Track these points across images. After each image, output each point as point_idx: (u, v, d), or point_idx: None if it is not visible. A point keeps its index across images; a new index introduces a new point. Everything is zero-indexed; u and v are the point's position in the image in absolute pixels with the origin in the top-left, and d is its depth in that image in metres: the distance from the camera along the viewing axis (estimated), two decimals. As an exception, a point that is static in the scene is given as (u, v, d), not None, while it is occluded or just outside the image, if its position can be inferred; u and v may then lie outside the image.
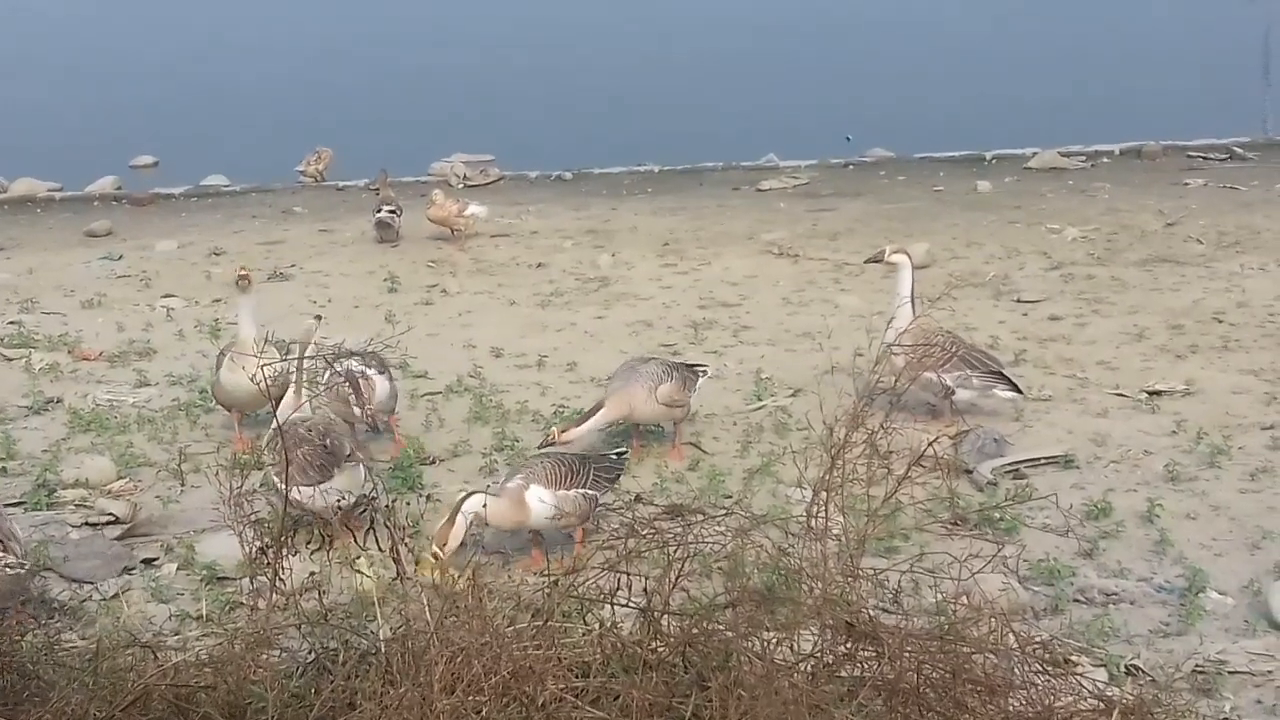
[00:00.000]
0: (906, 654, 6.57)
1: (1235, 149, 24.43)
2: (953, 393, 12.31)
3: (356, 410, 11.57)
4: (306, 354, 11.00)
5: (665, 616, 6.83)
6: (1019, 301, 16.02)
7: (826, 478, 7.51)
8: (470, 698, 6.24)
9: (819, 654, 6.75)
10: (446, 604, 6.78)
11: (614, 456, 10.76)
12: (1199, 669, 8.29)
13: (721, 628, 6.74)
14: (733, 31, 38.71)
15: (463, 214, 19.51)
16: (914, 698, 6.48)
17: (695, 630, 6.71)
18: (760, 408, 12.86)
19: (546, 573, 7.90)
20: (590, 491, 10.10)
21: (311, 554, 8.49)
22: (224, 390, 12.09)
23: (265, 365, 9.69)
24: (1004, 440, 11.76)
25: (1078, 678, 6.84)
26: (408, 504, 10.51)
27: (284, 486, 8.57)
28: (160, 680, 6.76)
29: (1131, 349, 14.32)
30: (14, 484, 11.49)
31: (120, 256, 19.50)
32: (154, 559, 10.17)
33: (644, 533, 9.22)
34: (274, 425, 9.65)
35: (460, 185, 23.76)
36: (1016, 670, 6.68)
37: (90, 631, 8.74)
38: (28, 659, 7.14)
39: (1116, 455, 11.70)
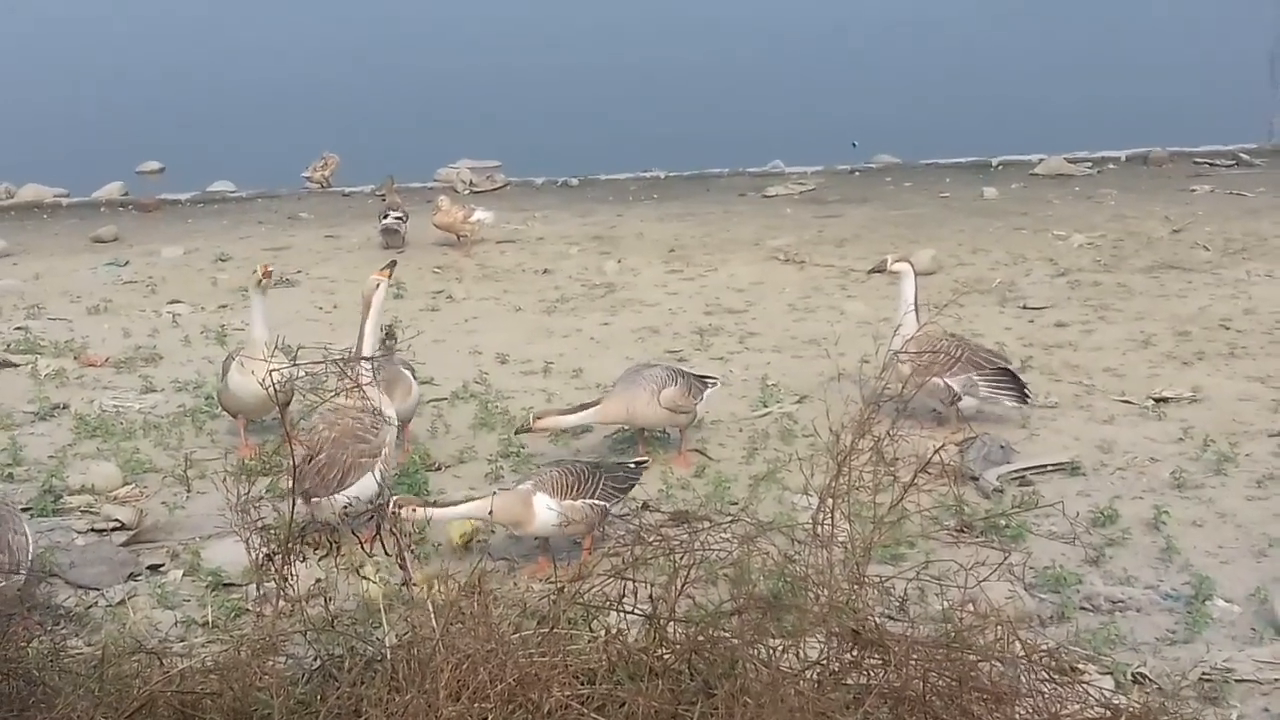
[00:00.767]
0: (913, 662, 6.55)
1: (1242, 155, 24.43)
2: (959, 399, 12.31)
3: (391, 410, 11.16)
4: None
5: (671, 623, 6.82)
6: (1025, 308, 16.02)
7: (832, 485, 7.50)
8: (476, 705, 6.23)
9: (825, 661, 6.73)
10: (452, 611, 6.77)
11: (631, 465, 10.71)
12: (1206, 677, 8.28)
13: (727, 635, 6.73)
14: (739, 37, 38.72)
15: (468, 220, 19.52)
16: (920, 705, 6.47)
17: (701, 637, 6.70)
18: (766, 414, 12.86)
19: (553, 580, 7.90)
20: (598, 502, 10.03)
21: (319, 560, 8.48)
22: (232, 395, 12.06)
23: (274, 370, 9.72)
24: (1010, 447, 11.75)
25: (1084, 685, 6.82)
26: (413, 511, 10.53)
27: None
28: (166, 687, 6.76)
29: (1138, 356, 14.31)
30: (20, 490, 11.49)
31: (126, 262, 19.52)
32: (160, 565, 10.17)
33: (650, 539, 9.24)
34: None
35: (466, 191, 23.77)
36: (1023, 678, 6.67)
37: (96, 638, 8.74)
38: (33, 665, 7.14)
39: (1123, 462, 11.69)
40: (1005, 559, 7.87)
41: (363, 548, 8.36)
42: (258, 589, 8.75)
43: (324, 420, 10.58)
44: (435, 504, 10.20)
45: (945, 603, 7.72)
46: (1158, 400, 12.99)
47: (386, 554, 8.22)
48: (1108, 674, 8.22)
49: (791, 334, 15.35)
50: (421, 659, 6.50)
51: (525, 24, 42.31)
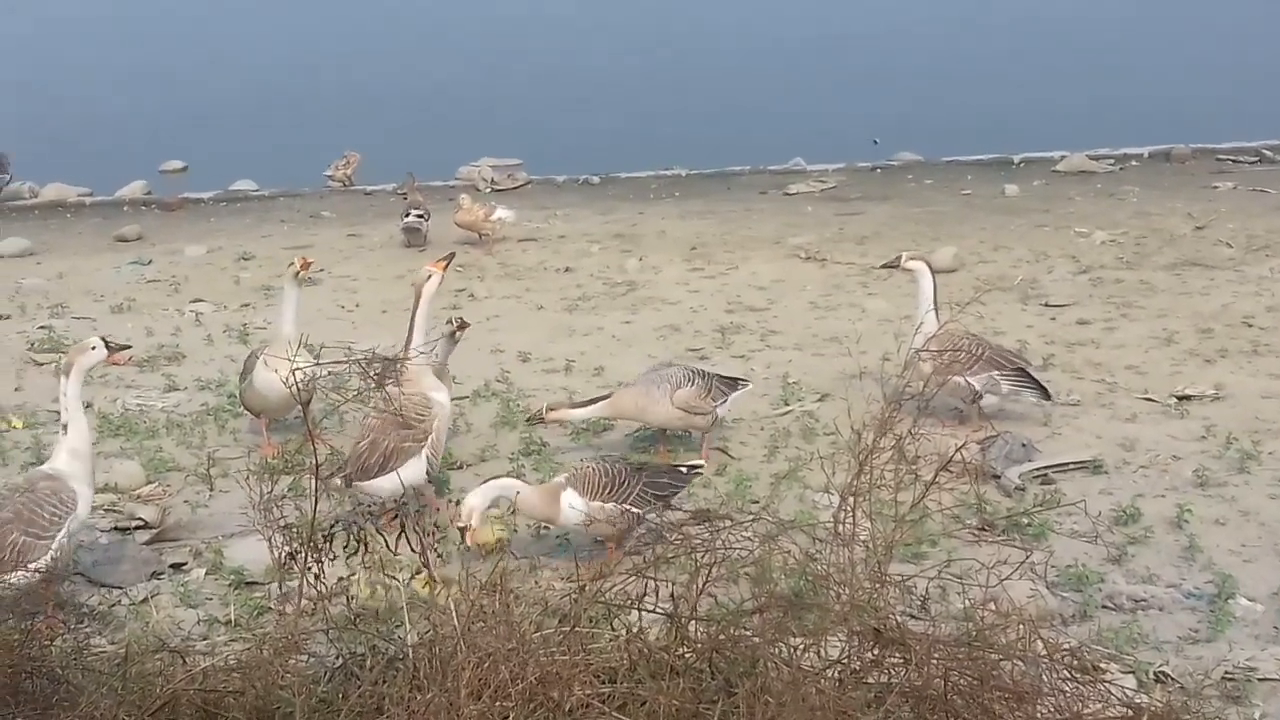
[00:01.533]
0: (934, 660, 6.55)
1: (1265, 152, 24.39)
2: (980, 397, 12.28)
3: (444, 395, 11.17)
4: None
5: (692, 622, 6.82)
6: (1047, 305, 15.99)
7: (854, 483, 7.50)
8: (497, 703, 6.24)
9: (846, 660, 6.73)
10: (473, 609, 6.78)
11: (683, 470, 10.39)
12: (1228, 676, 8.24)
13: (748, 633, 6.73)
14: (759, 35, 38.70)
15: (490, 218, 19.55)
16: (941, 704, 6.46)
17: (722, 636, 6.70)
18: (787, 412, 12.84)
19: (575, 578, 7.90)
20: (630, 508, 9.79)
21: (346, 558, 8.49)
22: (256, 392, 12.04)
23: (298, 369, 9.76)
24: (1032, 445, 11.72)
25: (1106, 685, 6.81)
26: (438, 510, 10.56)
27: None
28: (189, 685, 6.78)
29: (1160, 353, 14.28)
30: (44, 488, 11.51)
31: (150, 261, 19.59)
32: (183, 564, 10.20)
33: (671, 538, 9.25)
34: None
35: (488, 190, 23.81)
36: (1044, 677, 6.66)
37: (119, 636, 8.77)
38: (57, 663, 7.16)
39: (1145, 460, 11.66)
40: (1027, 557, 7.86)
41: (387, 546, 8.35)
42: (280, 587, 8.78)
43: (376, 409, 10.72)
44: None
45: (967, 601, 7.73)
46: (1180, 398, 12.95)
47: (412, 550, 8.21)
48: (1130, 673, 8.20)
49: (813, 332, 15.34)
50: (443, 657, 6.51)
51: (547, 23, 42.36)
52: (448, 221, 19.83)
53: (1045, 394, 12.42)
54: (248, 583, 9.76)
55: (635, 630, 6.75)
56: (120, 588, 9.72)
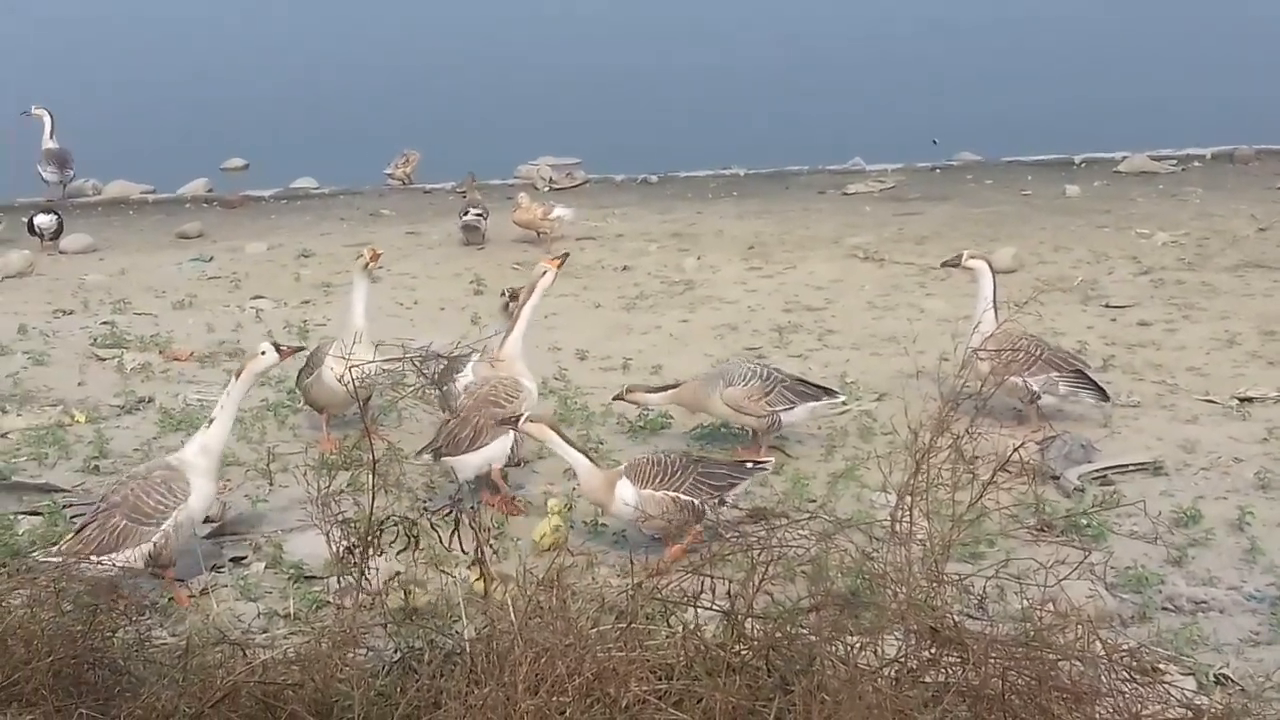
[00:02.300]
0: (991, 660, 6.53)
1: (1330, 153, 24.14)
2: (1038, 397, 12.22)
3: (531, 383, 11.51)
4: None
5: (749, 620, 6.82)
6: (1108, 307, 15.89)
7: (911, 482, 7.49)
8: (554, 698, 6.26)
9: (903, 659, 6.72)
10: (530, 605, 6.80)
11: (745, 465, 10.29)
12: (1289, 679, 8.19)
13: (805, 632, 6.73)
14: (821, 35, 38.64)
15: (548, 217, 19.60)
16: (999, 704, 6.44)
17: (779, 634, 6.70)
18: (845, 412, 12.81)
19: (632, 574, 7.92)
20: (683, 497, 9.75)
21: (398, 554, 8.53)
22: (325, 386, 12.10)
23: (357, 365, 9.85)
24: (1091, 446, 11.66)
25: (1165, 686, 6.77)
26: (491, 506, 10.60)
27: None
28: (249, 677, 6.83)
29: (1222, 355, 14.17)
30: (105, 482, 11.60)
31: (211, 258, 19.74)
32: (243, 557, 10.26)
33: (728, 536, 9.25)
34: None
35: (546, 188, 23.86)
36: (1103, 678, 6.63)
37: (180, 629, 8.84)
38: (119, 655, 7.24)
39: (1206, 462, 11.57)
40: (1085, 558, 7.82)
41: (442, 542, 8.39)
42: (339, 581, 8.83)
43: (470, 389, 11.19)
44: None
45: (1025, 601, 7.69)
46: (1242, 400, 12.85)
47: (463, 551, 8.25)
48: (1189, 675, 8.13)
49: (870, 332, 15.30)
50: (500, 652, 6.54)
51: (608, 22, 42.40)
52: (506, 220, 19.89)
53: (1104, 395, 12.35)
54: (307, 577, 9.81)
55: (692, 627, 6.76)
56: (181, 581, 9.79)
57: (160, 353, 15.14)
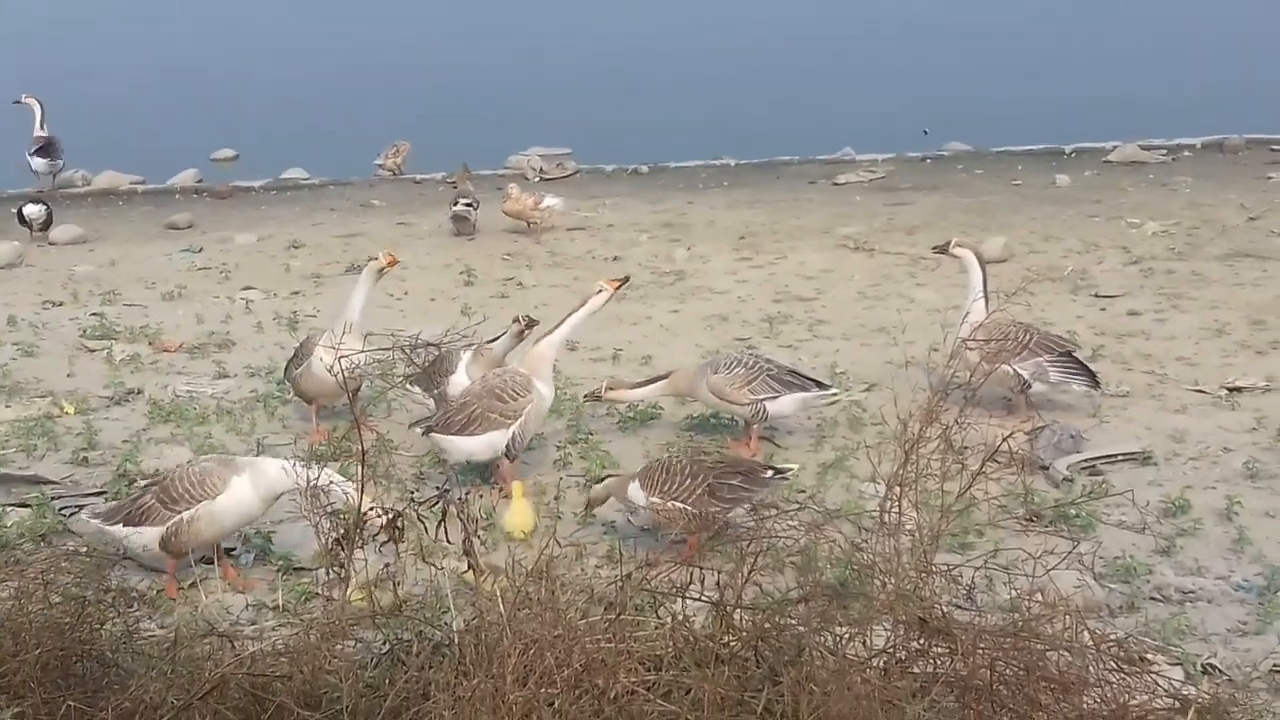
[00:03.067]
0: (980, 650, 6.53)
1: (1320, 142, 24.16)
2: (1028, 387, 12.24)
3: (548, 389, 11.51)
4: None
5: (738, 611, 6.82)
6: (1097, 296, 15.91)
7: (900, 473, 7.49)
8: (542, 690, 6.26)
9: (892, 650, 6.72)
10: (519, 596, 6.80)
11: (763, 473, 9.96)
12: (1277, 668, 8.19)
13: (794, 622, 6.73)
14: (810, 25, 38.62)
15: (539, 207, 19.60)
16: (987, 694, 6.45)
17: (767, 625, 6.70)
18: (834, 402, 12.80)
19: (620, 565, 7.92)
20: (687, 508, 9.56)
21: (381, 546, 8.53)
22: (314, 377, 12.09)
23: (346, 355, 9.85)
24: (1080, 436, 11.67)
25: (1153, 676, 6.78)
26: (480, 497, 10.61)
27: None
28: (237, 669, 6.83)
29: (1211, 345, 14.19)
30: (95, 474, 11.63)
31: (200, 249, 19.72)
32: (232, 549, 10.24)
33: (717, 526, 9.26)
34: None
35: (536, 179, 23.85)
36: (1091, 668, 6.63)
37: (168, 620, 8.83)
38: (107, 647, 7.23)
39: (1195, 452, 11.59)
40: (1074, 548, 7.84)
41: (429, 533, 8.38)
42: (327, 573, 8.82)
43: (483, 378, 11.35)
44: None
45: (1013, 592, 7.70)
46: (1231, 390, 12.86)
47: (449, 542, 8.24)
48: (1177, 665, 8.16)
49: (860, 322, 15.30)
50: (489, 644, 6.53)
51: (597, 12, 42.34)
52: (496, 210, 19.88)
53: (1094, 381, 12.36)
54: (295, 568, 9.81)
55: (680, 618, 6.76)
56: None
57: (150, 344, 15.13)
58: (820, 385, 12.04)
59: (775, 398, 11.68)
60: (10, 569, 7.81)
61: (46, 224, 20.62)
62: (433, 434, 11.01)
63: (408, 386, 12.22)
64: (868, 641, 6.74)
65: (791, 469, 10.43)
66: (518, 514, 10.25)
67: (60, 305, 16.99)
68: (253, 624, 8.88)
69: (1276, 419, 12.06)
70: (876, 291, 16.46)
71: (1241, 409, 12.46)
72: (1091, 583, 8.88)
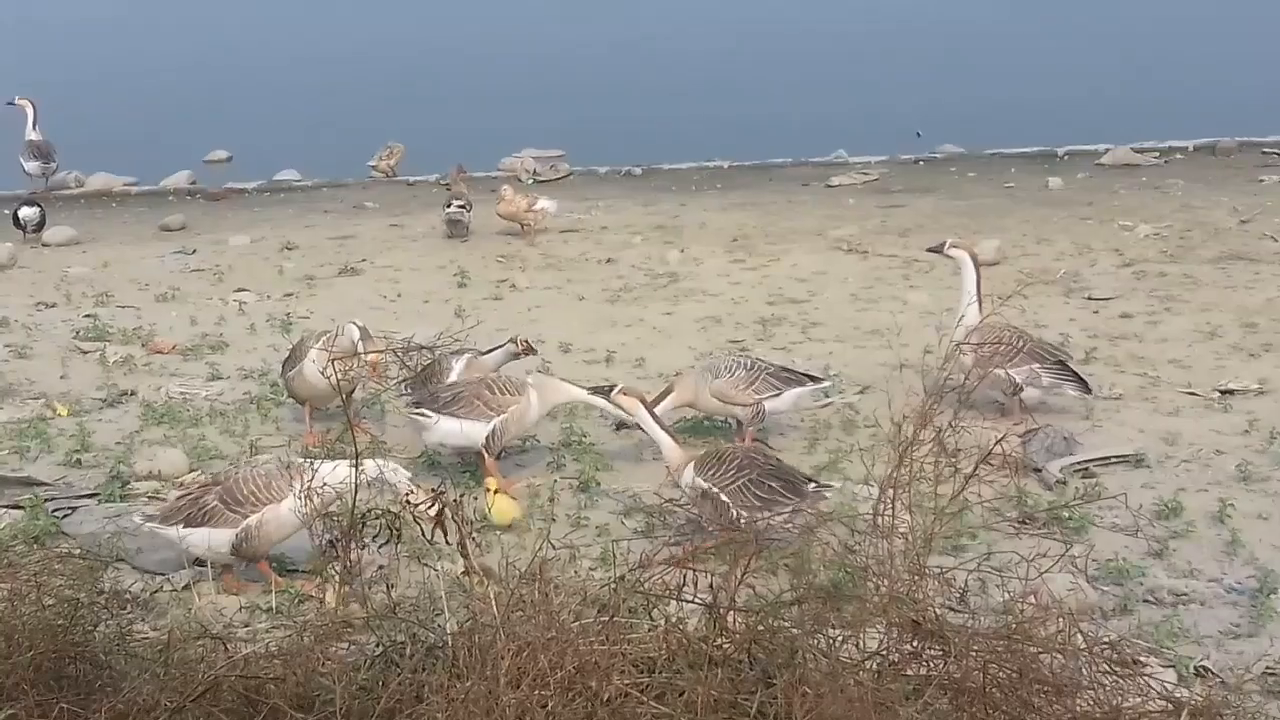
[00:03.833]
0: (973, 653, 6.54)
1: (1312, 145, 24.20)
2: (1021, 390, 12.25)
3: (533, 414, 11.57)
4: None
5: (731, 613, 6.83)
6: (1090, 299, 15.92)
7: (894, 475, 7.49)
8: (536, 692, 6.26)
9: (885, 652, 6.73)
10: (513, 598, 6.80)
11: (804, 485, 9.86)
12: (1270, 671, 8.20)
13: (787, 625, 6.73)
14: (803, 28, 38.64)
15: (532, 209, 19.60)
16: (980, 697, 6.45)
17: (761, 627, 6.70)
18: (828, 404, 12.82)
19: (614, 568, 7.92)
20: (723, 497, 9.60)
21: (379, 547, 8.53)
22: (305, 381, 12.10)
23: (339, 358, 9.86)
24: (1073, 439, 11.68)
25: (1146, 679, 6.78)
26: (475, 499, 10.60)
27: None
28: (230, 671, 6.82)
29: (1204, 347, 14.20)
30: (88, 475, 11.62)
31: (194, 251, 19.71)
32: (223, 551, 10.23)
33: (710, 528, 9.26)
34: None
35: (530, 181, 23.85)
36: (1084, 670, 6.63)
37: (162, 623, 8.81)
38: (100, 649, 7.22)
39: (1188, 454, 11.60)
40: (1067, 551, 7.86)
41: (424, 534, 8.38)
42: (321, 576, 8.81)
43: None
44: (653, 414, 10.49)
45: (1006, 594, 7.70)
46: (1224, 392, 12.88)
47: (447, 542, 8.24)
48: (1170, 667, 8.15)
49: (854, 324, 15.31)
50: (482, 646, 6.53)
51: (592, 15, 42.36)
52: (490, 213, 19.88)
53: (1086, 388, 12.37)
54: (289, 570, 9.81)
55: (674, 621, 6.76)
56: (163, 574, 9.78)
57: (143, 345, 15.12)
58: (814, 379, 12.11)
59: (778, 394, 11.76)
60: (3, 571, 7.79)
61: (40, 226, 20.60)
62: (416, 408, 11.11)
63: (403, 392, 12.22)
64: (861, 644, 6.75)
65: (834, 486, 10.35)
66: (498, 504, 10.40)
67: (53, 307, 16.97)
68: (246, 626, 8.87)
69: (1269, 421, 12.07)
70: (870, 294, 16.47)
71: (1234, 411, 12.47)
72: (1084, 585, 8.87)
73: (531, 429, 11.64)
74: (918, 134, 26.21)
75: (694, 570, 7.11)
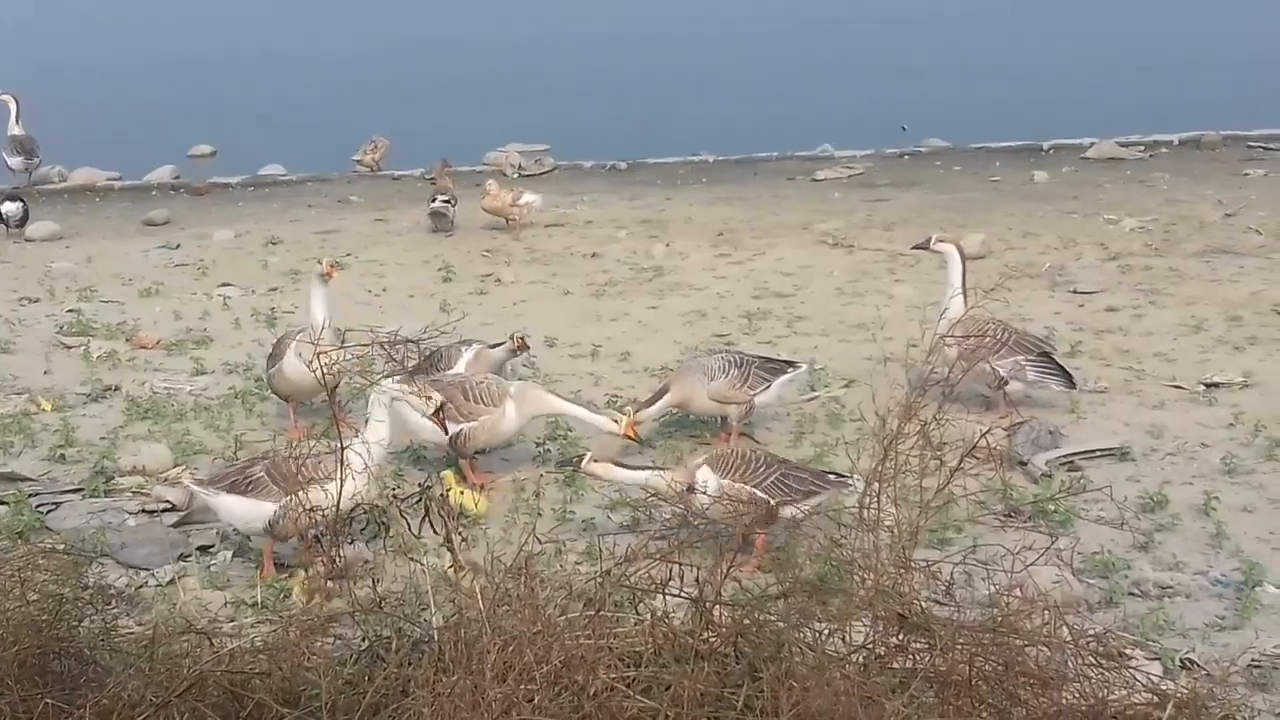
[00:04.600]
0: (959, 646, 6.54)
1: (1296, 138, 24.24)
2: (1006, 383, 12.26)
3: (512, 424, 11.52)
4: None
5: (717, 607, 6.82)
6: (1075, 292, 15.94)
7: (879, 469, 7.50)
8: (522, 686, 6.25)
9: (871, 645, 6.73)
10: (498, 593, 6.79)
11: (828, 476, 9.98)
12: (1255, 663, 8.22)
13: (773, 618, 6.73)
14: (788, 21, 38.63)
15: (517, 204, 19.57)
16: (966, 690, 6.46)
17: (747, 621, 6.69)
18: (814, 398, 12.83)
19: (600, 562, 7.91)
20: (760, 494, 9.58)
21: (366, 542, 8.53)
22: (285, 378, 12.10)
23: (324, 353, 9.81)
24: (1059, 432, 11.70)
25: (1132, 671, 6.79)
26: (462, 493, 10.59)
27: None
28: (215, 666, 6.80)
29: (1189, 340, 14.23)
30: (72, 471, 11.60)
31: (178, 245, 19.65)
32: (210, 546, 10.22)
33: (696, 522, 9.26)
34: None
35: (515, 175, 23.82)
36: (1070, 663, 6.64)
37: (146, 618, 8.79)
38: (85, 644, 7.20)
39: (1173, 447, 11.62)
40: (1053, 544, 7.84)
41: (410, 530, 8.37)
42: (306, 570, 8.80)
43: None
44: (623, 465, 10.20)
45: (992, 587, 7.71)
46: (1208, 385, 12.90)
47: (435, 533, 8.23)
48: (1156, 660, 8.16)
49: (839, 318, 15.32)
50: (468, 640, 6.52)
51: (576, 9, 42.32)
52: (475, 207, 19.85)
53: (1070, 381, 12.38)
54: (274, 565, 9.78)
55: (660, 614, 6.76)
56: (147, 569, 9.76)
57: (127, 340, 15.08)
58: (792, 365, 12.20)
59: (767, 387, 11.83)
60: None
61: (23, 220, 20.53)
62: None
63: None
64: (847, 637, 6.75)
65: (854, 476, 10.16)
66: (466, 498, 10.48)
67: (37, 302, 16.92)
68: (231, 621, 8.84)
69: (1253, 414, 12.10)
70: (855, 288, 16.47)
71: (1219, 405, 12.50)
72: (1070, 578, 8.87)
73: (510, 437, 11.52)
74: (903, 128, 26.20)
75: (680, 564, 7.11)
